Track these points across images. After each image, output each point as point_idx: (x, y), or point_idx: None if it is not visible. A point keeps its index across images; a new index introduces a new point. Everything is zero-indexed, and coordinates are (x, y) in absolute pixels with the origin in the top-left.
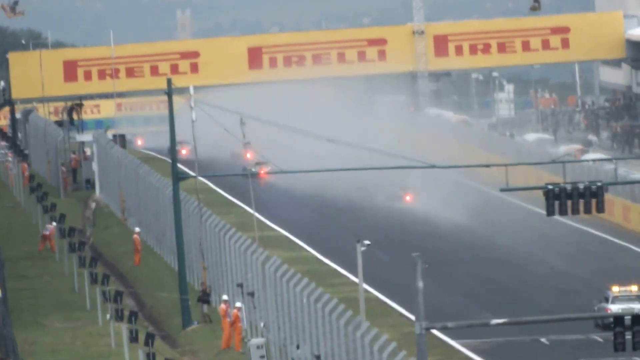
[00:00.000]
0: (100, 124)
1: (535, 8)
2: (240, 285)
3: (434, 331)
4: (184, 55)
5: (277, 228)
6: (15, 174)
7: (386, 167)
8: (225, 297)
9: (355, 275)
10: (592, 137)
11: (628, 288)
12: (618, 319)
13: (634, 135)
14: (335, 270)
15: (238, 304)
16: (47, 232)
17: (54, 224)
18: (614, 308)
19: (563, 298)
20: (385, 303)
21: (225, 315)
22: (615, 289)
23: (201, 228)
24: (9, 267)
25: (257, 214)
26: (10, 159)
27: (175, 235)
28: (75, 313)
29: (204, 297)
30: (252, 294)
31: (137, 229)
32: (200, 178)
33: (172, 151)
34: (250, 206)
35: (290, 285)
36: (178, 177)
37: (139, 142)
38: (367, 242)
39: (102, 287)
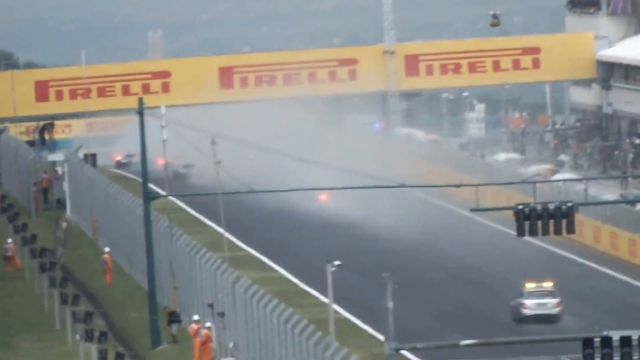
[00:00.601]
0: (72, 144)
1: (495, 24)
2: (211, 306)
3: (404, 352)
4: (156, 75)
5: (248, 248)
6: None
7: (356, 186)
8: (196, 317)
9: (325, 295)
10: (563, 157)
11: (542, 284)
12: (587, 340)
13: (606, 156)
14: (305, 290)
15: (208, 324)
16: (8, 253)
17: (10, 240)
18: (529, 303)
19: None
20: (355, 324)
21: (195, 335)
22: (530, 285)
23: (172, 248)
24: None
25: (227, 234)
26: None
27: (146, 255)
28: (45, 333)
29: (173, 318)
30: (222, 314)
31: (107, 249)
32: (171, 197)
33: (143, 171)
34: (221, 226)
35: (260, 305)
36: (149, 197)
37: (118, 158)
38: (337, 262)
39: (72, 307)
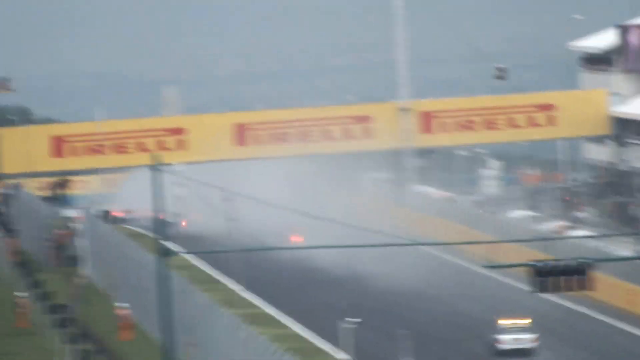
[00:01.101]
0: (87, 200)
1: (500, 77)
2: None
3: None
4: (170, 131)
5: (262, 305)
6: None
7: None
8: None
9: (341, 352)
10: (578, 214)
11: (516, 320)
12: None
13: (620, 212)
14: (321, 348)
15: None
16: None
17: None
18: (506, 338)
19: None
20: None
21: None
22: (505, 322)
23: (187, 305)
24: None
25: (243, 292)
26: None
27: (160, 312)
28: None
29: None
30: None
31: (123, 304)
32: (186, 255)
33: (158, 228)
34: (237, 283)
35: None
36: (164, 254)
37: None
38: (354, 319)
39: None
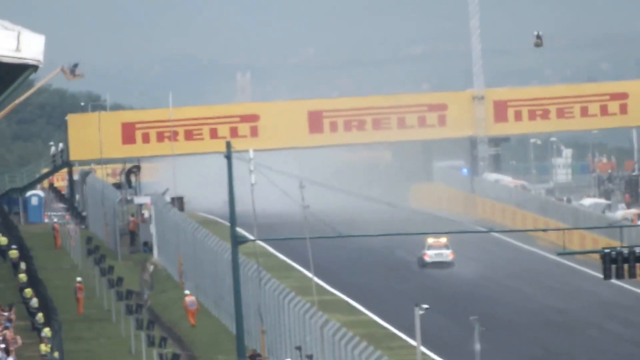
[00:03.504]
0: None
1: (538, 44)
2: (299, 349)
3: None
4: (244, 118)
5: (335, 291)
6: (74, 236)
7: (444, 232)
8: None
9: (413, 338)
10: None
11: (439, 239)
12: None
13: None
14: (394, 333)
15: None
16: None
17: (79, 279)
18: (430, 253)
19: None
20: None
21: None
22: (430, 240)
23: (260, 292)
24: (65, 329)
25: (315, 278)
26: (68, 221)
27: (233, 298)
28: None
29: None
30: (310, 357)
31: (187, 291)
32: (260, 242)
33: (232, 215)
34: (309, 270)
35: (349, 348)
36: (237, 241)
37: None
38: (425, 306)
39: (159, 349)
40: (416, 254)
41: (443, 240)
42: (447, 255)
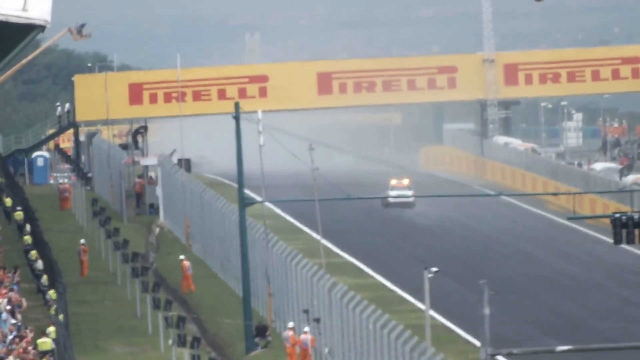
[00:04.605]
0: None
1: None
2: (307, 312)
3: (500, 357)
4: (253, 79)
5: (344, 254)
6: (78, 197)
7: (453, 194)
8: (291, 324)
9: (422, 302)
10: None
11: (401, 180)
12: None
13: None
14: (402, 297)
15: (306, 329)
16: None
17: (83, 241)
18: (392, 193)
19: (630, 326)
20: (451, 330)
21: (294, 342)
22: (393, 181)
23: (267, 254)
24: (70, 292)
25: (324, 241)
26: (73, 181)
27: (240, 261)
28: (137, 338)
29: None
30: (317, 320)
31: (182, 257)
32: (267, 203)
33: (239, 177)
34: (317, 232)
35: (357, 311)
36: (244, 203)
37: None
38: (434, 269)
39: (164, 312)
40: (426, 216)
41: (405, 181)
42: (409, 195)
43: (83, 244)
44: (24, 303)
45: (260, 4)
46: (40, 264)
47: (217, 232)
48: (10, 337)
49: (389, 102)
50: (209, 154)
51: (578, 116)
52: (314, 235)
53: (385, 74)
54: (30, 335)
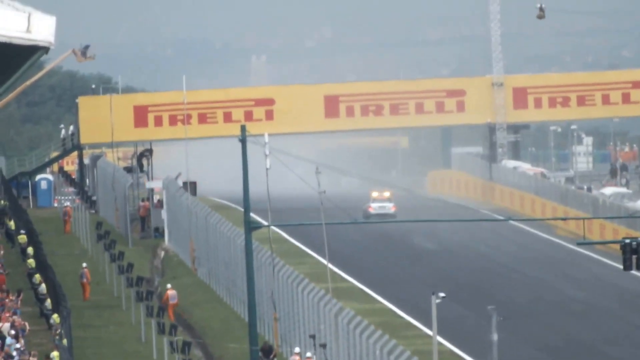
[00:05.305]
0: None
1: (541, 16)
2: (313, 337)
3: None
4: (259, 102)
5: (351, 279)
6: (82, 220)
7: (462, 219)
8: (297, 349)
9: (430, 327)
10: None
11: (382, 193)
12: None
13: None
14: (409, 322)
15: (309, 354)
16: (84, 279)
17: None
18: (374, 205)
19: None
20: (459, 356)
21: None
22: (374, 193)
23: (273, 278)
24: (74, 316)
25: (330, 265)
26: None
27: (246, 285)
28: None
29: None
30: (324, 346)
31: (168, 285)
32: (274, 227)
33: (246, 200)
34: (324, 257)
35: (364, 337)
36: (251, 227)
37: None
38: (442, 294)
39: (169, 337)
40: (434, 240)
41: (386, 194)
42: (390, 207)
43: (85, 267)
44: (27, 327)
45: (266, 26)
46: (43, 288)
47: (223, 256)
48: None
49: (396, 125)
50: (215, 177)
51: (588, 140)
52: (321, 259)
53: (393, 97)
54: (33, 359)
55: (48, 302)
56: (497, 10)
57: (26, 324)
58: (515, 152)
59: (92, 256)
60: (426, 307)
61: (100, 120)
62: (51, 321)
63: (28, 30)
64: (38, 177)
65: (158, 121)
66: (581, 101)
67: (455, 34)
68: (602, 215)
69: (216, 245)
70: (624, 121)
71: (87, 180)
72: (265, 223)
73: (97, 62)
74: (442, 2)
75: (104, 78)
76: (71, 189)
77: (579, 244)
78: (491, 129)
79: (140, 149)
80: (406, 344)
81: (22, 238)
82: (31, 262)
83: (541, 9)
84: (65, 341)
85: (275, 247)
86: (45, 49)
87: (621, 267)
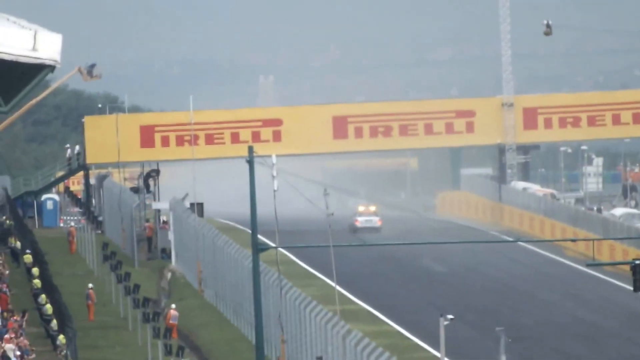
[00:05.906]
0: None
1: (548, 33)
2: (320, 359)
3: None
4: (267, 122)
5: (359, 301)
6: (88, 241)
7: (470, 241)
8: None
9: (438, 349)
10: None
11: (368, 207)
12: None
13: None
14: (417, 344)
15: None
16: (89, 301)
17: (90, 286)
18: (360, 219)
19: None
20: None
21: None
22: (361, 207)
23: (281, 300)
24: (80, 337)
25: (338, 287)
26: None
27: (254, 307)
28: None
29: None
30: None
31: (172, 305)
32: (281, 249)
33: (253, 222)
34: (331, 279)
35: (371, 359)
36: (258, 248)
37: None
38: (450, 316)
39: (176, 358)
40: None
41: (372, 208)
42: (376, 221)
43: (91, 288)
44: (32, 348)
45: (272, 46)
46: (49, 308)
47: (230, 277)
48: None
49: (405, 146)
50: (222, 198)
51: (598, 161)
52: (329, 281)
53: (401, 117)
54: None
55: (54, 323)
56: (508, 30)
57: (27, 343)
58: (525, 172)
59: (98, 277)
60: (434, 329)
61: (107, 140)
62: (57, 342)
63: (34, 49)
64: (44, 197)
65: (165, 141)
66: (591, 121)
67: (465, 54)
68: (612, 236)
69: (223, 266)
70: (634, 141)
71: (94, 201)
72: (273, 245)
73: (103, 81)
74: (452, 22)
75: (110, 97)
76: (77, 210)
77: (588, 265)
78: (501, 149)
79: (147, 169)
80: None
81: (28, 258)
82: (37, 282)
83: (548, 26)
84: None
85: (283, 269)
86: (51, 67)
87: (631, 288)
